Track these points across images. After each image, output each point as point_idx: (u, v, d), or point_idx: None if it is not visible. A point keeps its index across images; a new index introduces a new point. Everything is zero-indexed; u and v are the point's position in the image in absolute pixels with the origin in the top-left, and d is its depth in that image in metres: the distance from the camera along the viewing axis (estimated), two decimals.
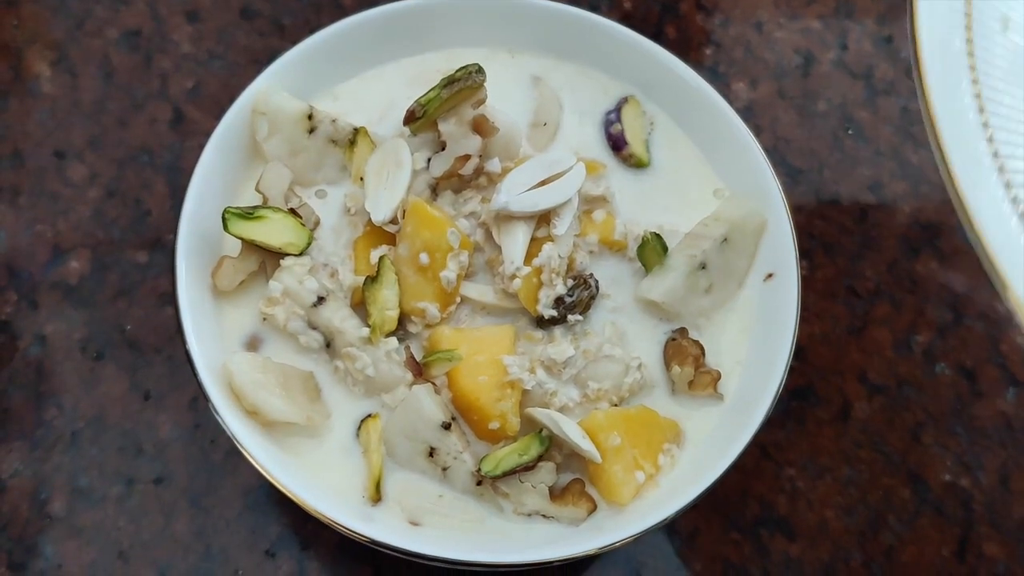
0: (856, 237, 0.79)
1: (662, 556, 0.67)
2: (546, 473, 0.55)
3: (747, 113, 0.82)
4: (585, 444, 0.54)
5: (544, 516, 0.56)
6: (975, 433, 0.73)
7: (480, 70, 0.59)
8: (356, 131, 0.63)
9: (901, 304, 0.77)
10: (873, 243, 0.79)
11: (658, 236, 0.62)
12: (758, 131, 0.71)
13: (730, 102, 0.66)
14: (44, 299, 0.72)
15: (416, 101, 0.60)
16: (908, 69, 0.86)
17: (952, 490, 0.72)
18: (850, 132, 0.83)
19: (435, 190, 0.61)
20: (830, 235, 0.79)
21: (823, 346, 0.75)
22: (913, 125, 0.84)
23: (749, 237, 0.63)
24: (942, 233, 0.80)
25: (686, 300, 0.61)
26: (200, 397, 0.67)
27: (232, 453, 0.67)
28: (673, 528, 0.68)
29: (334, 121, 0.63)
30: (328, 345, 0.58)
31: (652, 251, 0.61)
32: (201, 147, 0.61)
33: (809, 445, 0.72)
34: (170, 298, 0.57)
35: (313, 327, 0.58)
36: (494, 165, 0.61)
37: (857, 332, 0.76)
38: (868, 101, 0.85)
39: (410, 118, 0.60)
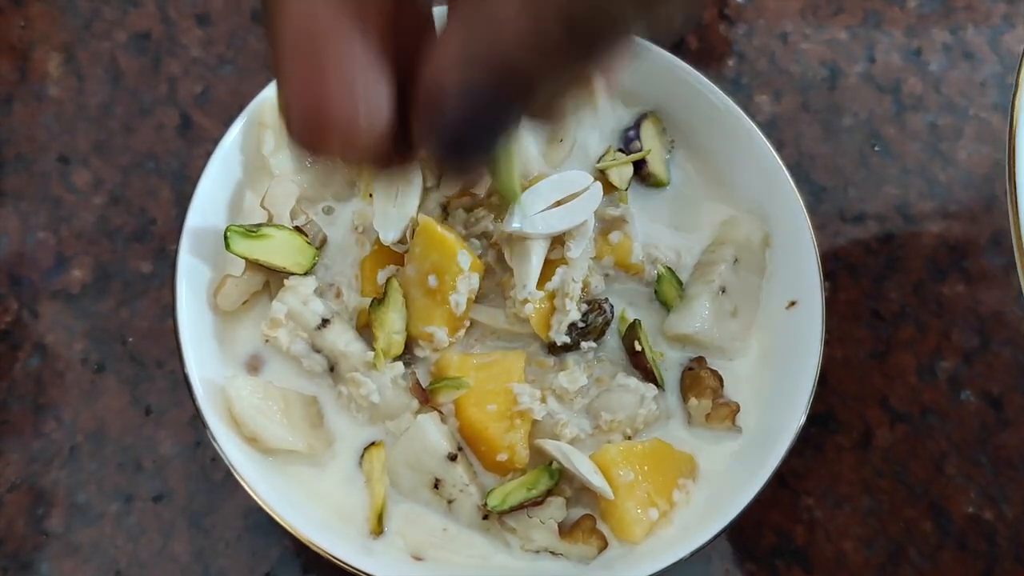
0: (881, 258, 0.77)
1: None
2: (555, 508, 0.53)
3: (770, 127, 0.79)
4: (596, 479, 0.52)
5: (552, 553, 0.54)
6: (1000, 464, 0.71)
7: None
8: None
9: (926, 328, 0.75)
10: (898, 264, 0.77)
11: (671, 270, 0.60)
12: (780, 146, 0.68)
13: (752, 115, 0.64)
14: (45, 308, 0.70)
15: None
16: (937, 84, 0.83)
17: (976, 523, 0.69)
18: (876, 149, 0.81)
19: (446, 209, 0.59)
20: (854, 255, 0.77)
21: (844, 370, 0.73)
22: (942, 142, 0.81)
23: (757, 253, 0.62)
24: (969, 254, 0.78)
25: (718, 327, 0.59)
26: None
27: (233, 473, 0.65)
28: (684, 557, 0.66)
29: None
30: (332, 369, 0.56)
31: (668, 284, 0.59)
32: (209, 154, 0.59)
33: (828, 473, 0.70)
34: (172, 311, 0.56)
35: (317, 350, 0.56)
36: None
37: (880, 356, 0.74)
38: (896, 116, 0.82)
39: None
